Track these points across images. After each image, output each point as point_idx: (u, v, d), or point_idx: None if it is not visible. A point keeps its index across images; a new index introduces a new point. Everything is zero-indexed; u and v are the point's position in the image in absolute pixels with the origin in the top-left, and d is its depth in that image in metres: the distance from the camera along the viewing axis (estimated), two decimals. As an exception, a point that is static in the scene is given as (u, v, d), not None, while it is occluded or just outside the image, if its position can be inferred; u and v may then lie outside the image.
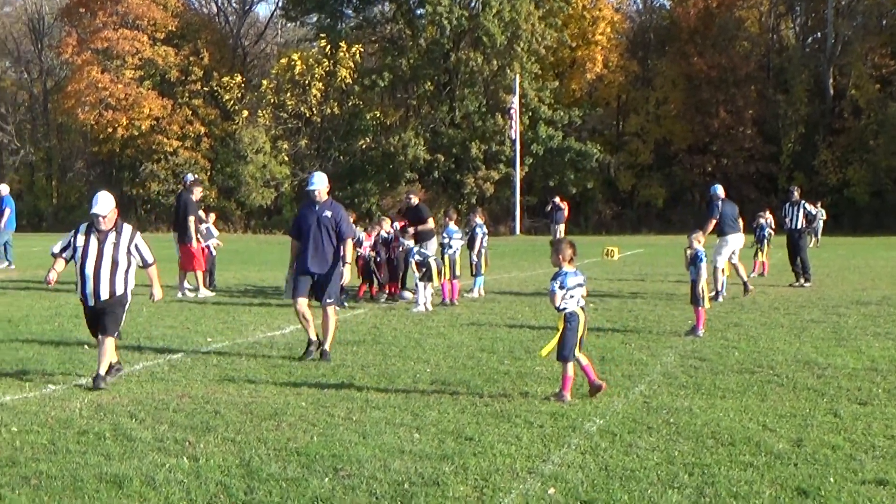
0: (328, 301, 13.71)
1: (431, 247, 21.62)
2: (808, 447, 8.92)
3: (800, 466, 8.32)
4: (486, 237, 23.00)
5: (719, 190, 22.87)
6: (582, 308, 11.11)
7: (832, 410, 10.41)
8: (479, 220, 22.98)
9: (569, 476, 7.98)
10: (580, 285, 11.10)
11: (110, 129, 73.06)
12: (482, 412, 10.28)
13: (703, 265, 16.26)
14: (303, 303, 13.73)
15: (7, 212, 31.45)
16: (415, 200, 23.02)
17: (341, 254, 13.86)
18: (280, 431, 9.40)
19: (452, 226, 21.78)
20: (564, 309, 10.96)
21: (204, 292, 22.32)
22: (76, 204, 76.60)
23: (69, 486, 7.64)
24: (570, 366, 10.92)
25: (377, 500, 7.37)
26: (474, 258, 22.35)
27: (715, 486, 7.74)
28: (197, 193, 23.61)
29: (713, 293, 20.91)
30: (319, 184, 13.90)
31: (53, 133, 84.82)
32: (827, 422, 9.92)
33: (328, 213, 13.78)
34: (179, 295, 21.92)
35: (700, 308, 16.14)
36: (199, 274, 22.63)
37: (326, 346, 13.74)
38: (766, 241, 29.57)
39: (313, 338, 13.81)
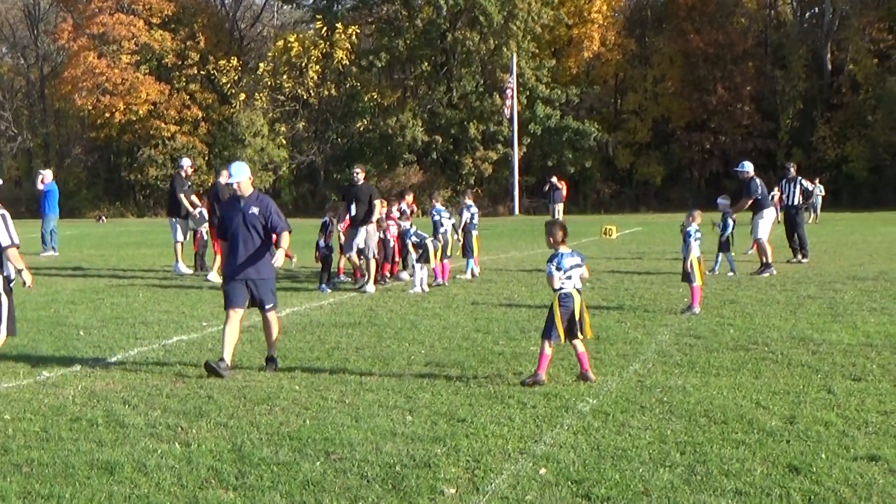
0: (268, 307, 11.88)
1: (371, 236, 20.41)
2: (800, 424, 8.91)
3: (792, 443, 8.32)
4: (476, 218, 22.87)
5: (751, 167, 23.32)
6: (578, 290, 10.99)
7: (826, 387, 10.40)
8: (468, 201, 22.97)
9: (560, 456, 7.98)
10: (578, 266, 10.97)
11: (108, 115, 73.15)
12: (475, 393, 10.27)
13: (694, 243, 16.31)
14: (237, 316, 11.82)
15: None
16: (360, 177, 21.04)
17: (280, 245, 11.94)
18: (273, 416, 9.40)
19: (439, 205, 21.71)
20: (561, 289, 10.88)
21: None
22: (74, 190, 76.54)
23: (60, 473, 7.63)
24: (548, 345, 10.79)
25: (368, 483, 7.37)
26: (458, 238, 22.25)
27: (706, 464, 7.73)
28: (224, 177, 23.76)
29: (762, 266, 22.07)
30: (239, 175, 11.98)
31: (51, 119, 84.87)
32: (820, 398, 9.91)
33: (255, 210, 11.87)
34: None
35: (694, 285, 16.15)
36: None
37: (273, 353, 12.01)
38: None
39: (227, 358, 11.59)
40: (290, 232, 11.98)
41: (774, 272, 21.83)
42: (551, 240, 11.07)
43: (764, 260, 22.24)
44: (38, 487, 7.30)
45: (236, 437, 8.61)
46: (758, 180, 23.12)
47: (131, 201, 77.31)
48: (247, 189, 12.00)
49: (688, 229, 16.45)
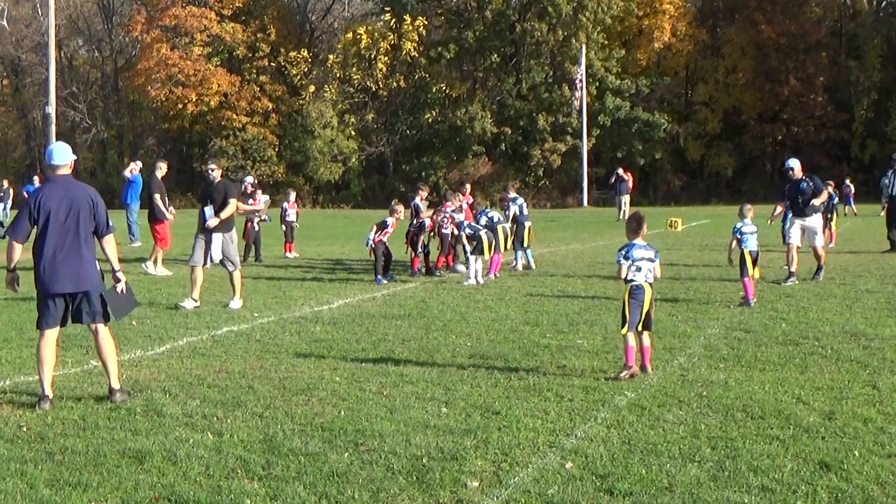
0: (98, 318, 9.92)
1: (229, 244, 16.82)
2: (839, 420, 8.79)
3: (827, 440, 8.20)
4: (525, 209, 22.74)
5: (798, 164, 20.51)
6: (649, 283, 10.98)
7: (871, 382, 10.26)
8: (511, 193, 22.95)
9: (589, 450, 7.93)
10: (650, 259, 10.97)
11: (180, 106, 73.88)
12: (514, 386, 10.25)
13: (750, 237, 16.41)
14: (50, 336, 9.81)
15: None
16: (215, 174, 17.18)
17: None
18: (309, 406, 9.43)
19: (418, 200, 21.99)
20: (632, 281, 10.90)
21: (162, 271, 22.33)
22: (148, 181, 77.53)
23: (91, 462, 7.72)
24: (631, 336, 10.79)
25: (393, 475, 7.37)
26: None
27: (736, 460, 7.65)
28: (161, 170, 23.74)
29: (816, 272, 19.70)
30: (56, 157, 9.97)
31: (125, 110, 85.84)
32: (863, 394, 9.76)
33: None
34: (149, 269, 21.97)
35: (746, 279, 16.17)
36: (160, 252, 22.67)
37: (113, 382, 9.84)
38: (834, 210, 29.42)
39: (48, 390, 9.62)
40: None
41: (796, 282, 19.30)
42: (627, 230, 11.24)
43: (793, 269, 19.54)
44: (67, 475, 7.39)
45: (269, 428, 8.66)
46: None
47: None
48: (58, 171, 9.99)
49: (736, 225, 16.56)
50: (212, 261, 16.80)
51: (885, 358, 11.57)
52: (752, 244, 16.40)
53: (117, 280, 10.02)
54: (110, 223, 9.96)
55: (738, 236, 16.41)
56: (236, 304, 16.47)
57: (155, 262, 22.31)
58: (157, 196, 22.59)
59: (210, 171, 17.17)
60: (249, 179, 26.94)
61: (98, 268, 9.94)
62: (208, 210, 16.65)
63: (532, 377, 10.67)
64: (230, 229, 16.77)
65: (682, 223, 38.84)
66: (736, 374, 10.77)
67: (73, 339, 13.21)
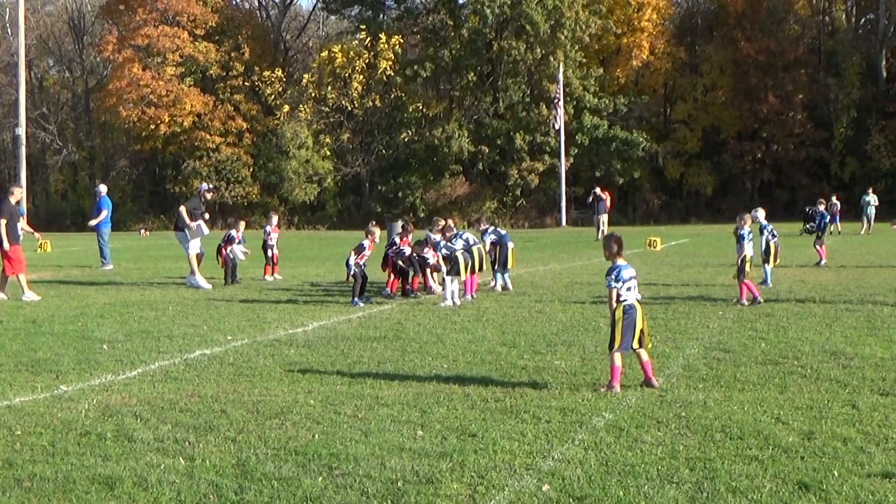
0: None
1: None
2: (818, 440, 8.82)
3: (806, 459, 8.23)
4: (496, 233, 22.61)
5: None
6: (638, 301, 11.26)
7: (850, 402, 10.30)
8: (483, 226, 22.78)
9: (567, 472, 7.93)
10: (634, 278, 11.27)
11: (152, 126, 73.84)
12: (491, 408, 10.24)
13: (747, 244, 18.65)
14: None
15: (104, 213, 32.18)
16: None
17: None
18: (283, 430, 9.41)
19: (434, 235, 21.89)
20: (624, 301, 11.12)
21: (30, 295, 21.41)
22: (119, 203, 77.35)
23: (60, 488, 7.68)
24: (619, 356, 11.06)
25: (367, 499, 7.36)
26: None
27: (714, 481, 7.66)
28: (16, 195, 22.78)
29: None
30: None
31: (96, 132, 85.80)
32: (843, 413, 9.80)
33: None
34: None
35: (745, 282, 18.25)
36: (22, 277, 21.62)
37: None
38: (825, 228, 29.42)
39: None
40: None
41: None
42: (607, 253, 11.43)
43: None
44: (35, 502, 7.36)
45: (242, 452, 8.64)
46: None
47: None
48: None
49: (741, 232, 18.63)
50: None
51: (864, 377, 11.61)
52: (750, 250, 18.77)
53: None
54: None
55: (747, 242, 18.74)
56: None
57: (23, 288, 21.49)
58: (3, 222, 21.19)
59: None
60: (205, 186, 26.60)
61: None
62: None
63: (509, 399, 10.66)
64: None
65: (661, 242, 38.93)
66: (715, 394, 10.79)
67: (42, 364, 13.17)
